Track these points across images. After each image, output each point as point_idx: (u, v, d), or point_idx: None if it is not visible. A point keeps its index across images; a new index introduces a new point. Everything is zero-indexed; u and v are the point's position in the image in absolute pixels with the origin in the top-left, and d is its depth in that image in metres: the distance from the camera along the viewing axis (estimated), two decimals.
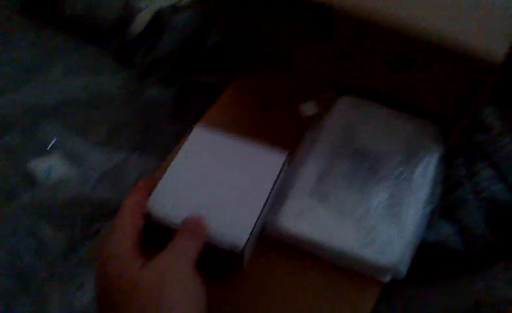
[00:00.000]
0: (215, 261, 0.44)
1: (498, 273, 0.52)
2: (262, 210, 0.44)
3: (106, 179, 0.57)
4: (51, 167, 0.57)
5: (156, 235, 0.41)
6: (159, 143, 0.58)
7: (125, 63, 0.66)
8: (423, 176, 0.50)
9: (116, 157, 0.58)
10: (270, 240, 0.48)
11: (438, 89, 0.51)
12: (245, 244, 0.42)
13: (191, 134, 0.49)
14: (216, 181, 0.45)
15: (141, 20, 0.64)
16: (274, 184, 0.46)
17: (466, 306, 0.51)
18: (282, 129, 0.56)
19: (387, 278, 0.46)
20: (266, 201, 0.45)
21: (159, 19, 0.63)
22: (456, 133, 0.51)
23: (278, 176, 0.46)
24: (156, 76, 0.62)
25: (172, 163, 0.46)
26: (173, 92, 0.61)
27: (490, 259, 0.52)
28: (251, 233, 0.42)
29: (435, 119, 0.54)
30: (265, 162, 0.47)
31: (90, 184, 0.56)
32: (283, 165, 0.47)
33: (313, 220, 0.47)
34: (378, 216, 0.47)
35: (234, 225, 0.42)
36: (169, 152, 0.54)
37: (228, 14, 0.53)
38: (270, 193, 0.45)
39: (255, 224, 0.43)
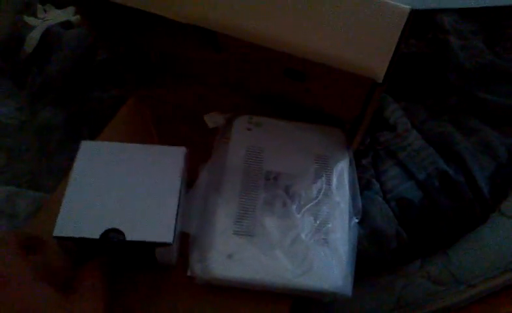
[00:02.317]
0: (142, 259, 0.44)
1: (416, 270, 0.52)
2: (179, 204, 0.44)
3: None
4: None
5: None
6: (55, 169, 0.55)
7: (18, 86, 0.62)
8: (341, 185, 0.49)
9: (7, 189, 0.54)
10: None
11: (335, 95, 0.50)
12: (174, 235, 0.41)
13: (80, 149, 0.46)
14: (122, 188, 0.44)
15: (32, 39, 0.60)
16: (182, 178, 0.45)
17: (388, 306, 0.51)
18: (187, 141, 0.53)
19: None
20: (180, 195, 0.44)
21: (49, 37, 0.60)
22: (360, 135, 0.50)
23: (183, 169, 0.46)
24: (49, 98, 0.58)
25: (69, 182, 0.44)
26: (66, 112, 0.58)
27: (407, 258, 0.52)
28: (175, 226, 0.42)
29: (339, 121, 0.53)
30: (165, 159, 0.46)
31: None
32: (185, 158, 0.46)
33: (244, 260, 0.44)
34: (308, 241, 0.45)
35: (156, 221, 0.42)
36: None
37: (113, 31, 0.50)
38: (181, 187, 0.45)
39: (176, 217, 0.43)
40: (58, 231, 0.40)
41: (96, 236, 0.40)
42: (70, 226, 0.41)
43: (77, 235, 0.40)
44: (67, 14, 0.64)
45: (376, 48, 0.36)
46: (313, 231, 0.46)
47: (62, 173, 0.52)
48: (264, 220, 0.46)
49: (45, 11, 0.66)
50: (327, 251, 0.45)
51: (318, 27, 0.37)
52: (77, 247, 0.42)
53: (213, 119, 0.55)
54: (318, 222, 0.47)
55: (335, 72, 0.38)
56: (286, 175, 0.49)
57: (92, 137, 0.53)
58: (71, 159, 0.46)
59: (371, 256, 0.49)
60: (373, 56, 0.37)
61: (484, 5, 0.64)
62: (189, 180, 0.49)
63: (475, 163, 0.53)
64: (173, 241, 0.41)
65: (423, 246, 0.51)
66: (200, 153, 0.51)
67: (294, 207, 0.47)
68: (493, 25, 0.64)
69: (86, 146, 0.46)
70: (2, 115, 0.59)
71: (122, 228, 0.41)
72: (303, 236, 0.46)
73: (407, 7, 0.35)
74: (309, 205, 0.47)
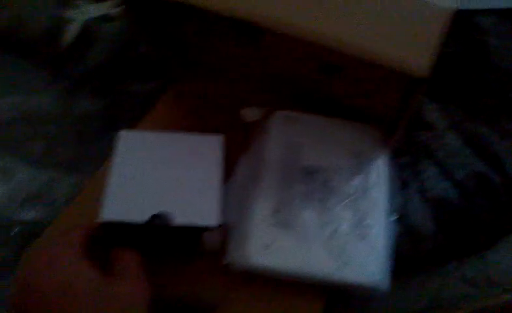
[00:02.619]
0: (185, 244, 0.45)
1: (451, 271, 0.52)
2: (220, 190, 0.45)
3: (34, 198, 0.54)
4: None
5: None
6: (92, 156, 0.55)
7: (57, 76, 0.63)
8: (378, 183, 0.49)
9: (47, 174, 0.55)
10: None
11: (372, 92, 0.50)
12: (219, 219, 0.43)
13: (120, 139, 0.47)
14: (164, 174, 0.45)
15: (71, 31, 0.61)
16: (221, 165, 0.46)
17: (422, 305, 0.50)
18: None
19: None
20: (220, 182, 0.45)
21: (89, 30, 0.61)
22: (398, 134, 0.49)
23: (222, 156, 0.47)
24: (87, 88, 0.59)
25: (112, 170, 0.45)
26: (104, 103, 0.59)
27: (442, 259, 0.51)
28: (220, 210, 0.43)
29: (376, 120, 0.53)
30: (204, 146, 0.47)
31: (17, 204, 0.53)
32: (222, 146, 0.47)
33: (282, 251, 0.45)
34: (346, 235, 0.46)
35: (201, 205, 0.43)
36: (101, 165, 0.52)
37: (153, 25, 0.51)
38: (221, 173, 0.46)
39: (220, 203, 0.44)
40: (105, 216, 0.41)
41: (143, 220, 0.41)
42: (116, 211, 0.41)
43: (124, 219, 0.41)
44: (105, 8, 0.65)
45: (420, 44, 0.37)
46: (351, 225, 0.46)
47: (99, 160, 0.53)
48: (302, 213, 0.46)
49: (83, 5, 0.67)
50: (365, 246, 0.45)
51: (364, 22, 0.38)
52: (120, 233, 0.42)
53: (250, 113, 0.56)
54: (356, 217, 0.46)
55: (373, 68, 0.38)
56: (324, 170, 0.49)
57: (128, 127, 0.54)
58: (109, 147, 0.48)
59: (406, 254, 0.49)
60: (417, 52, 0.37)
61: None
62: (224, 171, 0.49)
63: None
64: (220, 225, 0.42)
65: (459, 247, 0.51)
66: (234, 146, 0.51)
67: (332, 201, 0.47)
68: None
69: (125, 135, 0.47)
70: (43, 103, 0.61)
71: (168, 213, 0.41)
72: (341, 230, 0.46)
73: (451, 6, 0.35)
74: (347, 200, 0.47)
